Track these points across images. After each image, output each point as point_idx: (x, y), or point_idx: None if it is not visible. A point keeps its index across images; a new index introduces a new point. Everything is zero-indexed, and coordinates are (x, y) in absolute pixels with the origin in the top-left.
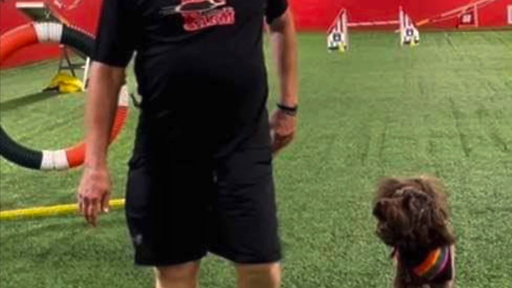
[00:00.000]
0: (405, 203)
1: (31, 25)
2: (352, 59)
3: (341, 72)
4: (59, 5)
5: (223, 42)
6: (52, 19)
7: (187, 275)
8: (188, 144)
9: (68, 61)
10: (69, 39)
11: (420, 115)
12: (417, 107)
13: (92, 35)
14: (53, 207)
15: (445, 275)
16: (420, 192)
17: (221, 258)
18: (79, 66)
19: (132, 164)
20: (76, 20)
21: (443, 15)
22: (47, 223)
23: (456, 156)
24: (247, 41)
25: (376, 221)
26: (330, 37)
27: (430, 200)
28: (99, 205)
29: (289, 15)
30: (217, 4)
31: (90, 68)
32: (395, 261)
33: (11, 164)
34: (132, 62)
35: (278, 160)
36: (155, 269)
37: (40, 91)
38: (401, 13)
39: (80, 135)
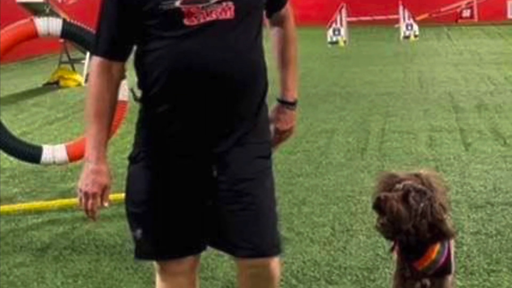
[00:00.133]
0: (404, 198)
1: (31, 20)
2: (352, 54)
3: (341, 66)
4: (59, 0)
5: (223, 37)
6: (52, 13)
7: (187, 270)
8: (188, 139)
9: (68, 56)
10: (69, 33)
11: (420, 110)
12: (416, 101)
13: (92, 29)
14: (53, 202)
15: (445, 269)
16: (420, 186)
17: (221, 253)
18: (79, 60)
19: (132, 159)
20: (76, 14)
21: (442, 9)
22: (47, 217)
23: (456, 151)
24: (247, 35)
25: (375, 215)
26: (330, 32)
27: (430, 194)
28: (99, 199)
29: (288, 10)
30: None
31: (90, 63)
32: (394, 255)
33: (11, 158)
34: (132, 57)
35: (278, 155)
36: (155, 263)
37: (40, 85)
38: (400, 8)
39: (80, 129)
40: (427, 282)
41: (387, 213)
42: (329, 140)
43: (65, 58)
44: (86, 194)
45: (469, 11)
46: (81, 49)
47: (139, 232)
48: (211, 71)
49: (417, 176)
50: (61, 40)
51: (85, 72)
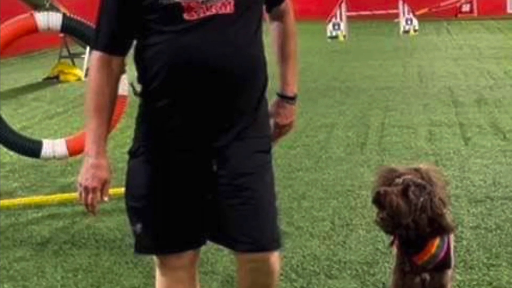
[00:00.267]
0: (404, 192)
1: (31, 14)
2: (352, 48)
3: (341, 61)
4: None
5: (223, 31)
6: (52, 8)
7: (187, 264)
8: (187, 133)
9: (68, 50)
10: (69, 28)
11: (420, 104)
12: (416, 96)
13: (92, 24)
14: (53, 196)
15: (444, 263)
16: (420, 181)
17: (221, 247)
18: (79, 55)
19: (132, 153)
20: (76, 9)
21: (442, 4)
22: (47, 212)
23: (455, 145)
24: (247, 30)
25: (375, 210)
26: (330, 26)
27: (429, 189)
28: (99, 194)
29: (288, 4)
30: None
31: (90, 57)
32: (394, 249)
33: (11, 153)
34: (132, 51)
35: (278, 149)
36: (155, 258)
37: (40, 80)
38: (400, 3)
39: (80, 124)
40: (427, 276)
41: (387, 208)
42: (328, 135)
43: (65, 53)
44: (86, 189)
45: (468, 5)
46: (81, 44)
47: (139, 226)
48: (211, 66)
49: (417, 170)
50: (61, 35)
51: (85, 67)
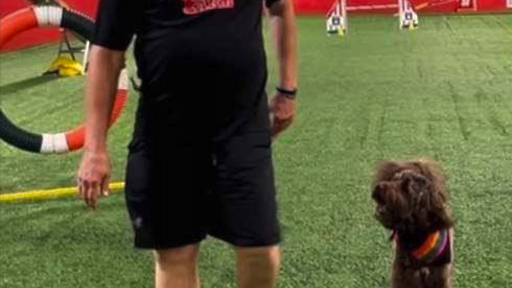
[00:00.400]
0: (404, 187)
1: (31, 9)
2: (351, 43)
3: (340, 55)
4: None
5: (223, 26)
6: (52, 2)
7: (187, 258)
8: (187, 128)
9: (68, 45)
10: (69, 22)
11: (419, 99)
12: (416, 90)
13: (91, 19)
14: (53, 190)
15: (444, 258)
16: (419, 175)
17: (221, 241)
18: (79, 49)
19: (132, 148)
20: (76, 3)
21: None
22: (47, 206)
23: (455, 140)
24: (247, 24)
25: (375, 204)
26: (329, 21)
27: (429, 183)
28: (98, 188)
29: None
30: None
31: (90, 52)
32: (394, 244)
33: (11, 147)
34: (131, 46)
35: (278, 144)
36: (154, 252)
37: (40, 74)
38: None
39: (80, 118)
40: (426, 270)
41: (387, 202)
42: (328, 129)
43: (65, 47)
44: (86, 183)
45: (468, 0)
46: (81, 38)
47: (138, 220)
48: (211, 60)
49: (416, 165)
50: (61, 29)
51: (85, 61)
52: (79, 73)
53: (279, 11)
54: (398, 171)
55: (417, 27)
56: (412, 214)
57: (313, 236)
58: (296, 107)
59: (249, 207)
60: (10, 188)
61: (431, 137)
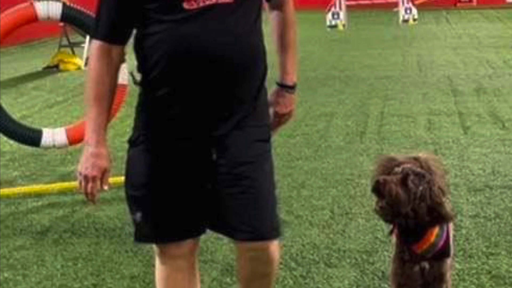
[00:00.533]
0: (403, 181)
1: (31, 4)
2: (351, 38)
3: (340, 50)
4: None
5: (223, 21)
6: None
7: (187, 253)
8: (187, 122)
9: (68, 39)
10: (69, 17)
11: (419, 93)
12: (415, 85)
13: (91, 13)
14: (53, 185)
15: (444, 252)
16: (419, 170)
17: (220, 236)
18: (78, 44)
19: (132, 142)
20: None
21: None
22: (47, 200)
23: (455, 134)
24: (246, 19)
25: (374, 198)
26: (329, 16)
27: (429, 178)
28: (98, 182)
29: None
30: None
31: (90, 46)
32: (393, 238)
33: (11, 142)
34: (131, 40)
35: (277, 138)
36: (154, 246)
37: (40, 69)
38: None
39: (80, 113)
40: (426, 265)
41: (386, 196)
42: (328, 124)
43: (65, 42)
44: (86, 177)
45: None
46: (81, 33)
47: (138, 215)
48: (211, 55)
49: (416, 159)
50: (61, 24)
51: (84, 56)
52: (79, 68)
53: (278, 6)
54: (398, 165)
55: (416, 22)
56: (411, 208)
57: (312, 230)
58: (296, 102)
59: (249, 201)
60: (10, 183)
61: (431, 132)
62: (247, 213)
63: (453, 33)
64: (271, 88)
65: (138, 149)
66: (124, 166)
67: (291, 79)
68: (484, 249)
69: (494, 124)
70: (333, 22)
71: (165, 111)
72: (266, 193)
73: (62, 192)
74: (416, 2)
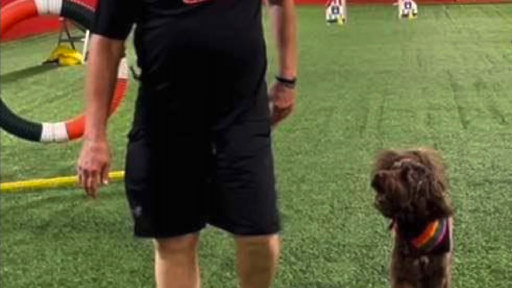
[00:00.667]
0: (403, 175)
1: None
2: (351, 32)
3: (340, 45)
4: None
5: (222, 15)
6: None
7: (186, 247)
8: (187, 117)
9: (68, 34)
10: (69, 12)
11: (418, 88)
12: (415, 79)
13: (91, 8)
14: (53, 179)
15: (443, 247)
16: (418, 164)
17: (220, 230)
18: (78, 39)
19: (132, 137)
20: None
21: None
22: (47, 195)
23: (454, 129)
24: (246, 14)
25: (374, 193)
26: (329, 10)
27: (428, 172)
28: (98, 177)
29: None
30: None
31: (90, 41)
32: (393, 233)
33: (11, 136)
34: (131, 35)
35: (277, 133)
36: (154, 241)
37: (40, 63)
38: None
39: (79, 107)
40: (426, 259)
41: (386, 191)
42: (328, 118)
43: (65, 36)
44: (85, 172)
45: None
46: (80, 27)
47: (138, 209)
48: (211, 49)
49: (416, 154)
50: (61, 18)
51: (84, 50)
52: (79, 62)
53: (278, 0)
54: (398, 160)
55: (416, 16)
56: (411, 203)
57: (312, 225)
58: (295, 96)
59: (249, 196)
60: (10, 177)
61: (430, 126)
62: (247, 207)
63: (452, 28)
64: (271, 82)
65: (138, 144)
66: (124, 160)
67: (290, 74)
68: (483, 244)
69: (494, 119)
70: (333, 17)
71: (165, 105)
72: (265, 188)
73: (62, 187)
74: None
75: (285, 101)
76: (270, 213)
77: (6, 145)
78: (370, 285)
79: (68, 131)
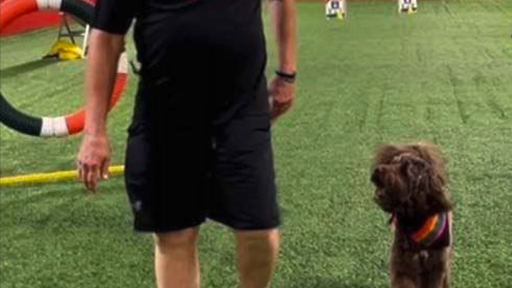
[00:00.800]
0: (403, 170)
1: None
2: (350, 27)
3: (339, 39)
4: None
5: (222, 10)
6: None
7: (186, 241)
8: (187, 111)
9: (68, 29)
10: (69, 6)
11: (418, 82)
12: (415, 74)
13: (91, 2)
14: (52, 174)
15: (443, 241)
16: (418, 158)
17: (220, 225)
18: (78, 33)
19: (132, 131)
20: None
21: None
22: (46, 189)
23: (454, 123)
24: (246, 8)
25: (374, 187)
26: (329, 5)
27: (428, 166)
28: (98, 171)
29: None
30: None
31: (90, 36)
32: (393, 227)
33: (11, 130)
34: (131, 30)
35: (277, 127)
36: (154, 235)
37: (40, 58)
38: None
39: (79, 102)
40: (425, 254)
41: (385, 185)
42: (327, 113)
43: (64, 31)
44: (85, 166)
45: None
46: (80, 22)
47: (138, 204)
48: (210, 44)
49: (415, 148)
50: (61, 13)
51: (84, 45)
52: (79, 57)
53: None
54: (397, 154)
55: (416, 11)
56: (411, 197)
57: (312, 219)
58: (295, 91)
59: (249, 190)
60: (10, 172)
61: (430, 121)
62: (247, 202)
63: (452, 22)
64: (270, 77)
65: (138, 138)
66: (123, 155)
67: (290, 68)
68: (483, 238)
69: (493, 113)
70: (333, 11)
71: (165, 100)
72: (265, 182)
73: (62, 181)
74: None
75: (284, 96)
76: (270, 207)
77: (6, 139)
78: (369, 279)
79: (68, 126)
